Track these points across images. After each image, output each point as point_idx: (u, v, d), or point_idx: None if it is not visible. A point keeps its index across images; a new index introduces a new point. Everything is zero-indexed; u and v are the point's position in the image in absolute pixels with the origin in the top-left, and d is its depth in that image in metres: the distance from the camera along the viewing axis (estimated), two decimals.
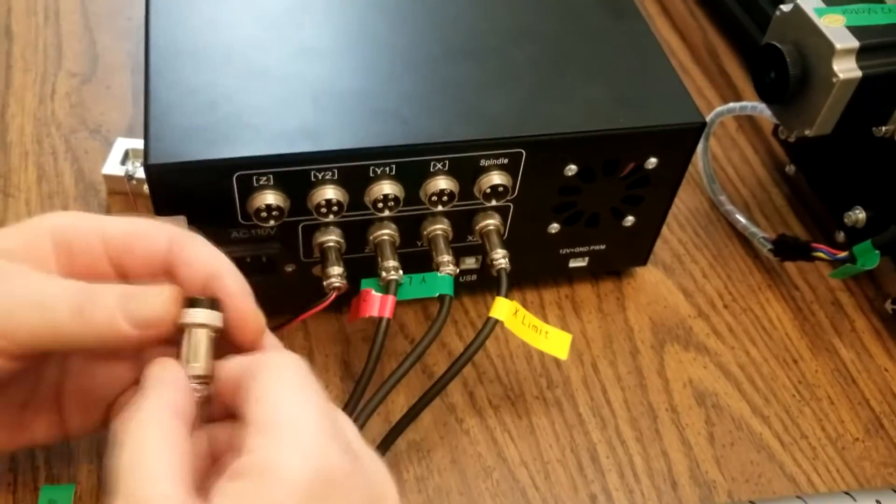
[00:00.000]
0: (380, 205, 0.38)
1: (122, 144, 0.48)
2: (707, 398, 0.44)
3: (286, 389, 0.27)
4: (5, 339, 0.28)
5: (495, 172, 0.39)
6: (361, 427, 0.35)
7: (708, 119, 0.51)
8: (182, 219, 0.37)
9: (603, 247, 0.45)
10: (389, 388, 0.36)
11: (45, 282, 0.29)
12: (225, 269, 0.30)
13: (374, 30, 0.42)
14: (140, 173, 0.47)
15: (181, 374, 0.28)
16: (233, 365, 0.28)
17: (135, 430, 0.25)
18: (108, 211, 0.48)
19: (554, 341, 0.39)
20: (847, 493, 0.37)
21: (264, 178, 0.36)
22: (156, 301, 0.28)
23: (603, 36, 0.43)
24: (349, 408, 0.36)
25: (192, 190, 0.36)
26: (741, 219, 0.50)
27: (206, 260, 0.30)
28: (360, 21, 0.43)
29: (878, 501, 0.37)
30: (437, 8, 0.43)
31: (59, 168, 0.49)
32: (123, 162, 0.48)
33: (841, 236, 0.49)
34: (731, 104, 0.50)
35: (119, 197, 0.48)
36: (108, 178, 0.48)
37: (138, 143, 0.48)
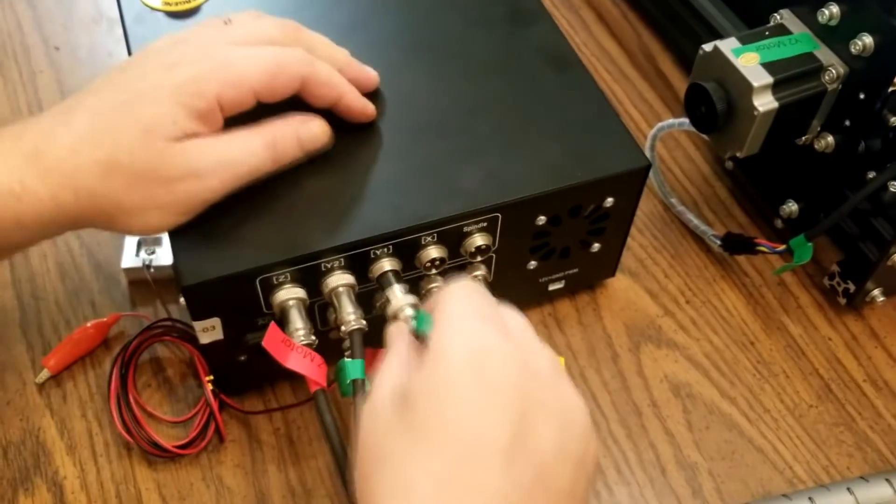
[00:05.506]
0: (383, 279, 0.44)
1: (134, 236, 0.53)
2: (682, 389, 0.51)
3: (455, 299, 0.35)
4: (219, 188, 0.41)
5: (477, 235, 0.45)
6: None
7: (651, 133, 0.57)
8: (217, 320, 0.42)
9: (576, 270, 0.52)
10: None
11: (241, 137, 0.41)
12: (345, 90, 0.44)
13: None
14: (157, 261, 0.52)
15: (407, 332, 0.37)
16: (434, 294, 0.39)
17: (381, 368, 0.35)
18: (131, 301, 0.53)
19: None
20: (823, 486, 0.45)
21: (283, 276, 0.42)
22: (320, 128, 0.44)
23: (552, 93, 0.48)
24: None
25: (222, 297, 0.41)
26: (692, 218, 0.57)
27: (333, 87, 0.43)
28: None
29: (848, 489, 0.44)
30: (397, 86, 0.48)
31: (78, 264, 0.54)
32: (137, 252, 0.53)
33: (779, 223, 0.56)
34: (671, 120, 0.56)
35: (140, 284, 0.53)
36: (128, 270, 0.53)
37: None
